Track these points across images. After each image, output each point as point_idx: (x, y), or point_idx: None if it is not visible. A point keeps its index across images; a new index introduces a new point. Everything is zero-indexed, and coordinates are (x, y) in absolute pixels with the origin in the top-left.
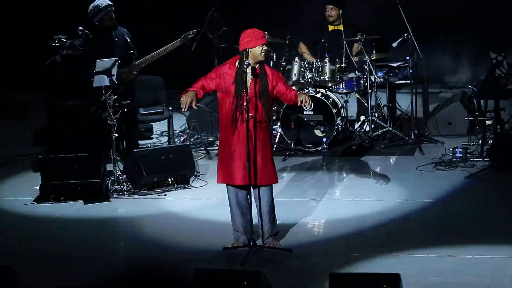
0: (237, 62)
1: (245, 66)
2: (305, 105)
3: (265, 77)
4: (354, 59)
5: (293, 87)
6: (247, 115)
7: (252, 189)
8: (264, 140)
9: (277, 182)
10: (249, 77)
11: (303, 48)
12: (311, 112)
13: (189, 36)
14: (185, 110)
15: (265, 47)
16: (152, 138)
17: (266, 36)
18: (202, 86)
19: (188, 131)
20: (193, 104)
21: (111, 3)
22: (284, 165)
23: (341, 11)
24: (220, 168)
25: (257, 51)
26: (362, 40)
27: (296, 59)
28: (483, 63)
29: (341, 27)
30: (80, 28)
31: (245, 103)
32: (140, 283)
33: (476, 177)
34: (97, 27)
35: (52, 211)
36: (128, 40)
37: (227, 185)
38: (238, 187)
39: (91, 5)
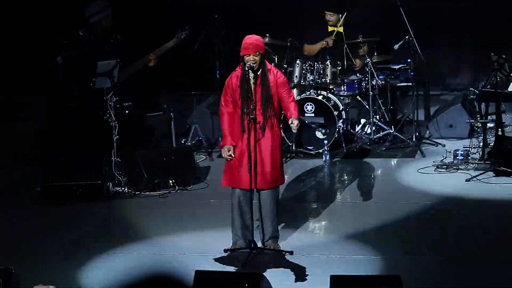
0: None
1: (246, 69)
2: (292, 127)
3: (267, 81)
4: (357, 62)
5: (295, 90)
6: (248, 118)
7: (256, 191)
8: (272, 143)
9: (283, 183)
10: (253, 81)
11: (307, 47)
12: (313, 115)
13: (182, 36)
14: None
15: (252, 57)
16: (153, 140)
17: (267, 38)
18: (229, 121)
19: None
20: (233, 155)
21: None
22: (285, 167)
23: (340, 15)
24: (226, 171)
25: (245, 59)
26: (364, 44)
27: (298, 61)
28: (485, 65)
29: (341, 29)
30: (81, 30)
31: (250, 107)
32: (140, 285)
33: (477, 180)
34: (96, 29)
35: (53, 212)
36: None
37: (232, 187)
38: (242, 190)
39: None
